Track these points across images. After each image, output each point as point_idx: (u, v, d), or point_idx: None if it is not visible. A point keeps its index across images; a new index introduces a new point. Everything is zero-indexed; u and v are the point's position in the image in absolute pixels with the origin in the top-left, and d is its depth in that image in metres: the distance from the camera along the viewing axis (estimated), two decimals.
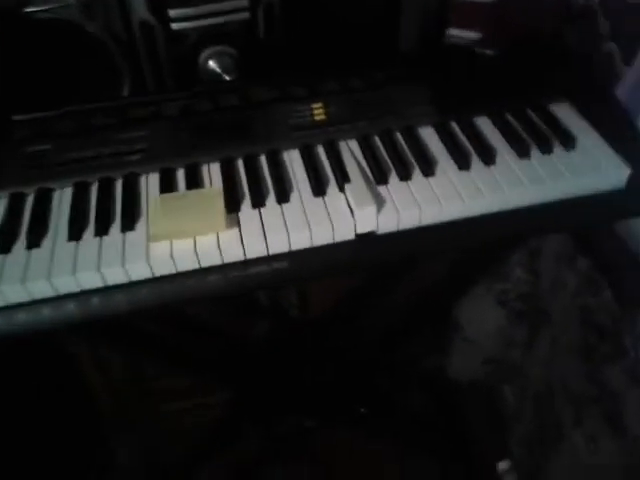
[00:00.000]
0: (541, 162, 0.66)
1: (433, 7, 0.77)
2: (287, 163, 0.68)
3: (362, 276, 1.09)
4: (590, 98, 0.72)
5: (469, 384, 1.22)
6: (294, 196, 0.64)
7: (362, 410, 1.21)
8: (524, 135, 0.68)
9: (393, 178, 0.65)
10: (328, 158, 0.68)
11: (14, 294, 0.57)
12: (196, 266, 0.59)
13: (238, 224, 0.61)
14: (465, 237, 0.64)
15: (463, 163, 0.66)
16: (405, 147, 0.69)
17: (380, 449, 1.20)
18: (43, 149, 0.69)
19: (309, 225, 0.61)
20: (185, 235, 0.59)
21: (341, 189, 0.64)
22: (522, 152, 0.66)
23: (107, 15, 0.74)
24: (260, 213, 0.62)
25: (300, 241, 0.61)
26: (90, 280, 0.58)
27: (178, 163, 0.68)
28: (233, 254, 0.60)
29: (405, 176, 0.65)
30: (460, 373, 1.23)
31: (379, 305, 1.11)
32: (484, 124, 0.71)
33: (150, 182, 0.67)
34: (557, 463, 0.92)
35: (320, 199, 0.63)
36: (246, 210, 0.63)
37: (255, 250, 0.60)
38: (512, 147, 0.67)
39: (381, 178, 0.65)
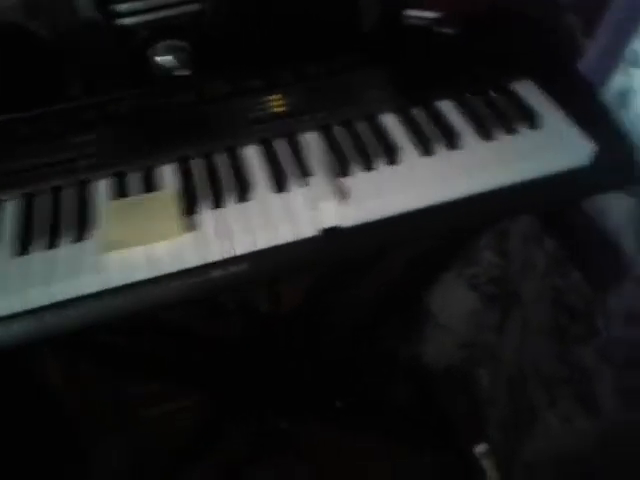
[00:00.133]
0: (506, 143, 0.62)
1: None
2: (246, 159, 0.63)
3: (332, 267, 1.04)
4: (553, 74, 0.68)
5: (445, 370, 1.19)
6: (254, 194, 0.59)
7: (337, 404, 1.16)
8: (488, 116, 0.64)
9: (356, 169, 0.60)
10: (288, 151, 0.63)
11: None
12: (153, 274, 0.54)
13: (196, 227, 0.56)
14: (432, 225, 0.61)
15: (426, 149, 0.61)
16: (367, 136, 0.64)
17: (359, 441, 1.16)
18: None
19: (271, 223, 0.56)
20: (140, 242, 0.54)
21: (303, 183, 0.59)
22: (486, 134, 0.62)
23: (52, 14, 0.68)
24: (219, 214, 0.57)
25: (262, 240, 0.56)
26: (41, 296, 0.52)
27: (131, 166, 0.62)
28: (192, 259, 0.54)
29: (367, 166, 0.60)
30: (436, 360, 1.19)
31: (350, 296, 1.06)
32: (447, 107, 0.67)
33: (102, 188, 0.61)
34: (533, 444, 0.89)
35: (281, 195, 0.58)
36: (204, 212, 0.57)
37: (215, 253, 0.55)
38: (476, 129, 0.63)
39: (344, 169, 0.60)
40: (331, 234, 0.57)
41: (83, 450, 1.15)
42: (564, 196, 0.65)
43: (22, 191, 0.60)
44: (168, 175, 0.62)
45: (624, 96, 0.65)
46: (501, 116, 0.64)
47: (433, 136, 0.63)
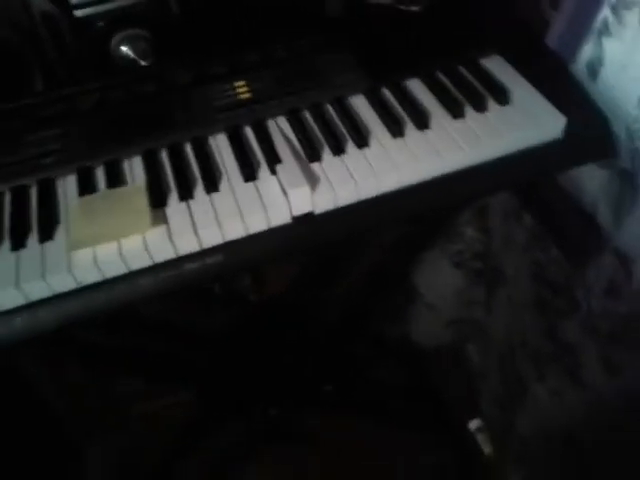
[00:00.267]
0: (476, 121, 0.62)
1: None
2: (214, 149, 0.63)
3: (315, 253, 1.05)
4: (520, 47, 0.69)
5: (435, 348, 1.21)
6: (224, 184, 0.59)
7: (328, 388, 1.18)
8: (457, 94, 0.65)
9: (326, 153, 0.61)
10: (257, 139, 0.63)
11: None
12: (124, 270, 0.54)
13: (165, 220, 0.56)
14: (406, 207, 0.61)
15: (397, 130, 0.62)
16: (336, 119, 0.64)
17: (351, 424, 1.18)
18: None
19: (242, 213, 0.56)
20: (108, 238, 0.54)
21: (272, 171, 0.59)
22: (456, 112, 0.63)
23: (4, 9, 0.67)
24: (188, 206, 0.57)
25: (234, 231, 0.56)
26: (9, 298, 0.52)
27: (96, 161, 0.62)
28: (163, 253, 0.55)
29: (338, 150, 0.61)
30: (425, 338, 1.21)
31: (336, 280, 1.07)
32: (416, 86, 0.67)
33: (68, 185, 0.61)
34: (524, 419, 0.92)
35: (251, 184, 0.59)
36: (173, 204, 0.58)
37: (186, 246, 0.55)
38: (446, 108, 0.64)
39: (313, 155, 0.60)
40: (304, 221, 0.58)
41: (74, 450, 1.16)
42: (538, 171, 0.66)
43: None
44: (135, 168, 0.61)
45: (593, 67, 0.66)
46: (471, 93, 0.64)
47: (403, 117, 0.63)
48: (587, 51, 0.66)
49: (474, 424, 1.15)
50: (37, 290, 0.53)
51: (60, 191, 0.60)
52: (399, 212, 0.62)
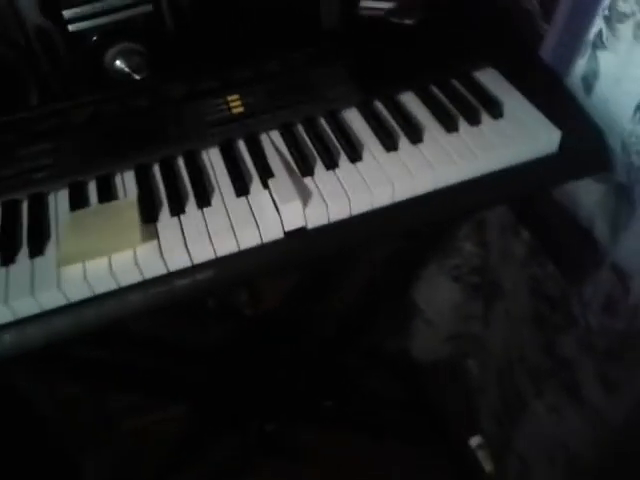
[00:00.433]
0: (470, 134, 0.63)
1: None
2: (206, 163, 0.64)
3: (312, 267, 1.06)
4: (514, 61, 0.70)
5: (435, 363, 1.22)
6: (216, 198, 0.60)
7: (326, 403, 1.19)
8: (450, 108, 0.66)
9: (319, 168, 0.62)
10: (250, 153, 0.64)
11: None
12: (115, 286, 0.55)
13: (156, 235, 0.57)
14: (400, 222, 0.62)
15: (390, 144, 0.63)
16: (329, 133, 0.65)
17: (350, 440, 1.18)
18: None
19: (233, 228, 0.57)
20: (99, 254, 0.55)
21: (265, 185, 0.60)
22: (450, 126, 0.64)
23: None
24: (180, 221, 0.58)
25: (226, 247, 0.57)
26: None
27: (89, 175, 0.63)
28: (154, 269, 0.55)
29: (331, 164, 0.62)
30: (424, 354, 1.22)
31: (333, 296, 1.08)
32: (409, 100, 0.68)
33: (59, 199, 0.62)
34: (523, 435, 0.92)
35: (243, 199, 0.60)
36: (165, 219, 0.59)
37: (178, 262, 0.56)
38: (439, 122, 0.65)
39: (306, 169, 0.61)
40: (296, 236, 0.59)
41: (67, 464, 1.16)
42: (533, 185, 0.66)
43: None
44: (128, 183, 0.63)
45: (588, 80, 0.67)
46: (465, 107, 0.65)
47: (397, 130, 0.64)
48: (581, 64, 0.67)
49: (475, 441, 1.15)
50: (26, 307, 0.53)
51: (51, 206, 0.61)
52: (393, 227, 0.63)
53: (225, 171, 0.63)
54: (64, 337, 0.55)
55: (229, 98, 0.68)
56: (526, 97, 0.67)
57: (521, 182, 0.64)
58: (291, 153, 0.64)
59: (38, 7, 0.67)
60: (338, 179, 0.61)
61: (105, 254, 0.55)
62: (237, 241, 0.57)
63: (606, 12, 0.63)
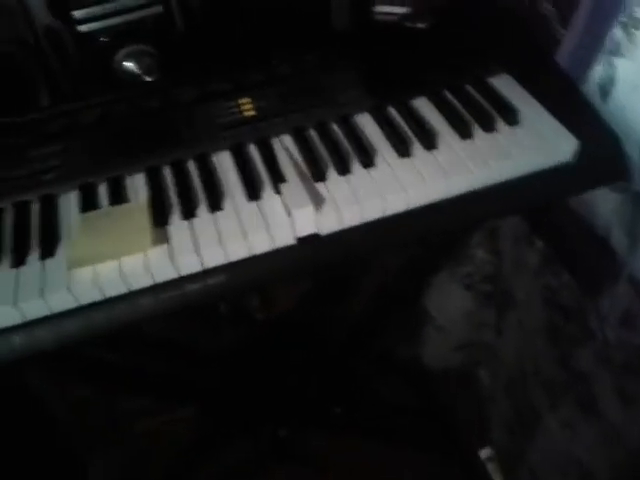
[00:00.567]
0: (485, 141, 0.64)
1: None
2: (218, 166, 0.65)
3: (324, 273, 1.08)
4: (530, 67, 0.71)
5: (445, 371, 1.22)
6: (227, 202, 0.61)
7: (336, 410, 1.20)
8: (465, 114, 0.67)
9: (331, 173, 0.63)
10: (261, 157, 0.65)
11: None
12: (125, 290, 0.56)
13: (167, 239, 0.58)
14: (413, 229, 0.63)
15: (403, 150, 0.64)
16: (342, 138, 0.66)
17: (359, 447, 1.20)
18: None
19: (245, 233, 0.58)
20: (109, 257, 0.56)
21: (277, 190, 0.61)
22: (464, 133, 0.65)
23: (8, 23, 0.70)
24: (191, 224, 0.59)
25: (237, 251, 0.58)
26: (8, 316, 0.54)
27: (99, 177, 0.65)
28: (164, 273, 0.57)
29: (343, 170, 0.63)
30: (436, 361, 1.23)
31: (346, 301, 1.09)
32: (423, 105, 0.69)
33: (70, 201, 0.63)
34: (535, 449, 0.93)
35: (255, 203, 0.61)
36: (176, 223, 0.60)
37: (188, 266, 0.57)
38: (453, 128, 0.66)
39: (318, 174, 0.63)
40: (308, 242, 0.60)
41: (77, 465, 1.18)
42: (548, 194, 0.67)
43: None
44: (138, 185, 0.64)
45: (605, 87, 0.68)
46: (479, 113, 0.66)
47: (410, 136, 0.65)
48: (598, 71, 0.68)
49: (485, 453, 1.15)
50: (35, 308, 0.55)
51: (62, 207, 0.63)
52: (406, 234, 0.64)
53: (236, 175, 0.64)
54: (74, 340, 0.56)
55: (240, 101, 0.69)
56: (542, 104, 0.67)
57: (536, 191, 0.65)
58: (303, 158, 0.65)
59: (47, 7, 0.68)
60: (351, 185, 0.62)
61: (116, 257, 0.56)
62: (249, 246, 0.58)
63: (623, 18, 0.64)
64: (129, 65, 0.73)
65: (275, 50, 0.73)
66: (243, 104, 0.69)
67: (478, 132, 0.65)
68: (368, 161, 0.63)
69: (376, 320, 1.16)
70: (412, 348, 1.25)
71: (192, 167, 0.65)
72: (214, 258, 0.58)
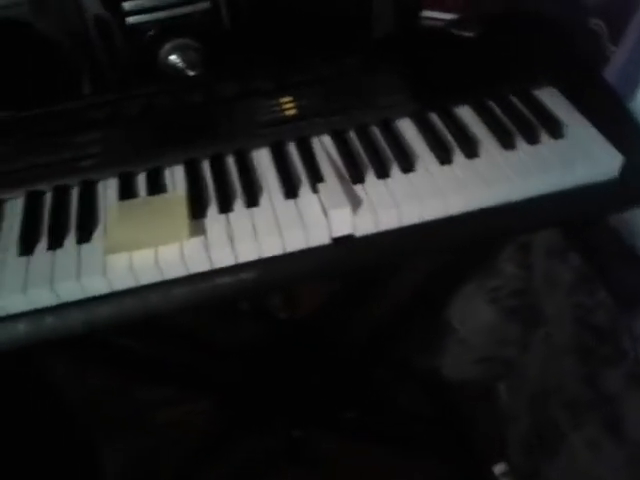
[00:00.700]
0: (528, 153, 0.63)
1: None
2: (256, 163, 0.65)
3: (351, 275, 1.07)
4: (577, 81, 0.69)
5: (464, 383, 1.21)
6: (264, 199, 0.61)
7: (351, 414, 1.19)
8: (508, 124, 0.66)
9: (370, 175, 0.62)
10: (300, 156, 0.65)
11: None
12: (159, 278, 0.56)
13: (203, 231, 0.58)
14: (448, 237, 0.62)
15: (444, 157, 0.63)
16: (382, 141, 0.66)
17: (372, 453, 1.18)
18: None
19: (280, 230, 0.58)
20: (146, 245, 0.56)
21: (314, 190, 0.61)
22: (507, 143, 0.64)
23: (59, 12, 0.71)
24: (227, 219, 0.59)
25: (271, 248, 0.58)
26: (42, 297, 0.55)
27: (139, 167, 0.65)
28: (199, 264, 0.57)
29: (382, 173, 0.62)
30: (455, 373, 1.21)
31: (370, 305, 1.08)
32: (465, 113, 0.68)
33: (109, 188, 0.64)
34: (555, 468, 0.90)
35: (292, 201, 0.61)
36: (212, 216, 0.60)
37: (222, 259, 0.57)
38: (496, 138, 0.65)
39: (357, 176, 0.62)
40: (343, 243, 0.59)
41: (92, 454, 1.19)
42: (589, 210, 0.66)
43: (27, 189, 0.63)
44: (176, 177, 0.64)
45: None
46: (523, 124, 0.65)
47: (451, 143, 0.65)
48: None
49: (499, 469, 1.13)
50: (70, 291, 0.55)
51: (101, 194, 0.63)
52: (441, 241, 0.63)
53: (274, 172, 0.64)
54: (104, 325, 0.56)
55: (282, 100, 0.69)
56: (587, 118, 0.66)
57: (577, 206, 0.64)
58: (342, 159, 0.64)
59: None
60: (389, 188, 0.61)
61: (152, 246, 0.56)
62: (283, 243, 0.58)
63: None
64: (174, 59, 0.73)
65: (319, 51, 0.72)
66: (284, 103, 0.69)
67: (521, 143, 0.64)
68: (408, 166, 0.63)
69: (399, 326, 1.15)
70: (431, 358, 1.24)
71: (231, 162, 0.65)
72: (248, 253, 0.58)
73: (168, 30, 0.73)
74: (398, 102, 0.68)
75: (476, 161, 0.63)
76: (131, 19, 0.71)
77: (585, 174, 0.62)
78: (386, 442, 1.21)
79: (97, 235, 0.59)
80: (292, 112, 0.68)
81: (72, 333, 0.56)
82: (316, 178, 0.62)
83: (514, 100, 0.69)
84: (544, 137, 0.65)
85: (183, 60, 0.73)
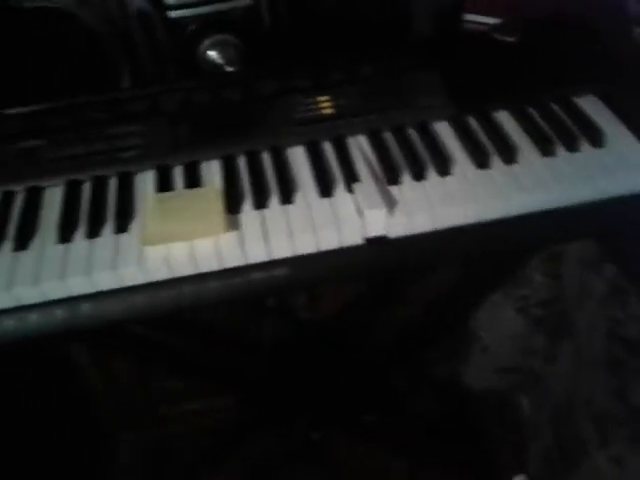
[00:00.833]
0: (567, 161, 0.63)
1: None
2: (292, 160, 0.66)
3: (378, 278, 1.07)
4: (618, 90, 0.69)
5: (485, 392, 1.20)
6: (299, 196, 0.62)
7: (370, 418, 1.19)
8: (548, 131, 0.65)
9: (406, 177, 0.63)
10: (336, 155, 0.65)
11: None
12: (193, 271, 0.57)
13: (239, 226, 0.59)
14: (483, 242, 0.62)
15: (482, 161, 0.63)
16: (419, 143, 0.66)
17: (390, 458, 1.18)
18: (34, 145, 0.66)
19: (315, 228, 0.58)
20: (182, 238, 0.57)
21: (349, 189, 0.61)
22: (546, 150, 0.63)
23: (102, 3, 0.73)
24: (262, 215, 0.60)
25: (304, 245, 0.58)
26: (80, 285, 0.56)
27: (176, 160, 0.66)
28: (233, 259, 0.57)
29: (418, 175, 0.62)
30: (476, 381, 1.20)
31: (394, 308, 1.08)
32: (504, 118, 0.68)
33: (146, 180, 0.65)
34: None
35: (326, 200, 0.61)
36: (247, 211, 0.61)
37: (256, 255, 0.58)
38: (535, 144, 0.64)
39: (393, 177, 0.62)
40: (376, 244, 0.59)
41: (106, 445, 1.21)
42: (627, 222, 0.65)
43: (66, 178, 0.64)
44: (213, 171, 0.65)
45: None
46: (562, 131, 0.65)
47: (489, 148, 0.64)
48: None
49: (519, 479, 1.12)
50: (106, 280, 0.56)
51: (138, 186, 0.64)
52: (475, 246, 0.63)
53: (309, 170, 0.64)
54: (138, 315, 0.57)
55: (320, 98, 0.69)
56: (628, 128, 0.66)
57: (615, 216, 0.63)
58: (378, 159, 0.64)
59: None
60: (425, 191, 0.61)
61: (188, 238, 0.57)
62: (316, 241, 0.58)
63: None
64: (213, 54, 0.75)
65: (357, 50, 0.73)
66: (322, 101, 0.69)
67: (560, 151, 0.64)
68: (444, 169, 0.63)
69: (423, 330, 1.15)
70: (454, 365, 1.23)
71: (266, 159, 0.66)
72: (281, 249, 0.58)
73: (208, 26, 0.74)
74: (436, 104, 0.68)
75: (514, 167, 0.63)
76: (173, 13, 0.73)
77: (625, 184, 0.61)
78: (404, 448, 1.21)
79: (134, 226, 0.60)
80: (329, 111, 0.68)
81: (107, 322, 0.57)
82: (351, 177, 0.62)
83: (554, 107, 0.69)
84: (584, 145, 0.64)
85: (222, 56, 0.75)
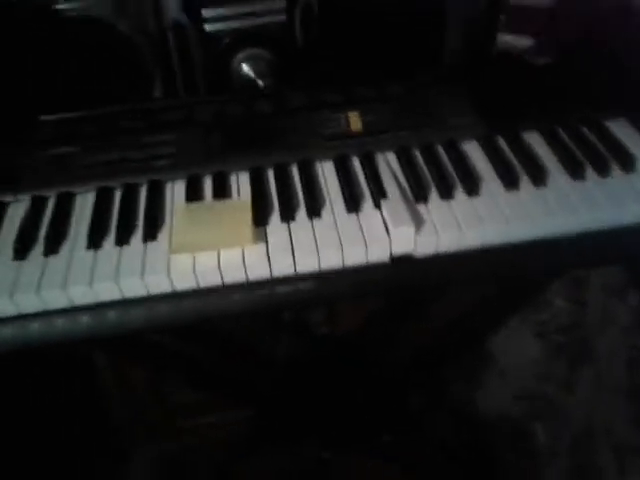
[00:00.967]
0: (597, 185, 0.62)
1: (482, 10, 0.74)
2: (320, 175, 0.66)
3: (398, 296, 1.07)
4: None
5: (499, 418, 1.18)
6: (326, 211, 0.62)
7: (385, 437, 1.18)
8: (578, 154, 0.65)
9: (433, 196, 0.63)
10: (364, 171, 0.66)
11: (28, 303, 0.56)
12: (219, 282, 0.57)
13: (265, 239, 0.59)
14: (508, 265, 0.62)
15: (511, 182, 0.62)
16: (447, 162, 0.66)
17: (400, 478, 1.17)
18: (68, 151, 0.68)
19: (341, 243, 0.58)
20: (209, 248, 0.57)
21: (377, 205, 0.61)
22: (576, 173, 0.63)
23: (139, 14, 0.74)
24: (289, 228, 0.60)
25: (330, 260, 0.58)
26: (107, 291, 0.56)
27: (206, 171, 0.66)
28: (259, 271, 0.57)
29: (446, 194, 0.62)
30: (491, 407, 1.18)
31: (412, 329, 1.07)
32: (534, 140, 0.68)
33: (176, 190, 0.66)
34: None
35: (354, 215, 0.61)
36: (274, 224, 0.61)
37: (282, 268, 0.58)
38: (565, 167, 0.64)
39: (420, 195, 0.62)
40: (402, 262, 0.59)
41: (121, 454, 1.21)
42: None
43: (98, 185, 0.65)
44: (242, 183, 0.65)
45: None
46: (594, 155, 0.65)
47: (518, 170, 0.64)
48: None
49: None
50: (134, 287, 0.56)
51: (168, 194, 0.65)
52: (500, 268, 0.63)
53: (337, 186, 0.64)
54: (163, 323, 0.58)
55: (349, 114, 0.70)
56: None
57: None
58: (406, 177, 0.64)
59: (179, 2, 0.72)
60: (452, 210, 0.61)
61: (215, 249, 0.57)
62: (343, 256, 0.58)
63: None
64: (246, 68, 0.76)
65: (389, 68, 0.73)
66: (351, 117, 0.70)
67: (591, 174, 0.63)
68: (472, 189, 0.62)
69: (440, 351, 1.14)
70: (469, 389, 1.22)
71: (295, 172, 0.66)
72: (307, 263, 0.58)
73: (243, 40, 0.75)
74: (466, 123, 0.68)
75: (543, 189, 0.62)
76: (208, 26, 0.74)
77: None
78: (416, 468, 1.19)
79: (162, 235, 0.60)
80: (358, 127, 0.69)
81: (132, 329, 0.58)
82: (379, 194, 0.62)
83: (584, 129, 0.68)
84: (615, 170, 0.64)
85: (255, 70, 0.76)
